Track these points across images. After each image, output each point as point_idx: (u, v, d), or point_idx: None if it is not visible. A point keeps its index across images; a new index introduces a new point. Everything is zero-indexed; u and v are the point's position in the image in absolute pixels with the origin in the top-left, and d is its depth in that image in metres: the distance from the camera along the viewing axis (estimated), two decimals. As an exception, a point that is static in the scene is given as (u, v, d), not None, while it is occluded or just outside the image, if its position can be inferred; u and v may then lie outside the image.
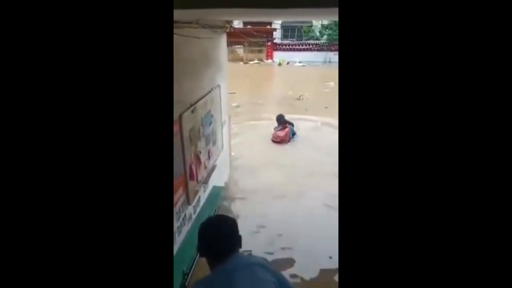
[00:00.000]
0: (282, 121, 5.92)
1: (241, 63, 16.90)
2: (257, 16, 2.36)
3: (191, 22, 2.39)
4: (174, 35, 2.24)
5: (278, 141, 5.64)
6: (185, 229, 2.80)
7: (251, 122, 6.72)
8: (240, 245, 1.06)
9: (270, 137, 5.80)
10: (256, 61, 17.73)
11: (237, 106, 8.00)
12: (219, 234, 1.03)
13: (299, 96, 9.54)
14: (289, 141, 5.72)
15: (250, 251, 2.86)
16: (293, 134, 5.88)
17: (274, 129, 5.93)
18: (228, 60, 4.31)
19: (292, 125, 6.00)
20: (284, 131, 5.73)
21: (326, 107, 7.77)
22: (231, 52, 15.67)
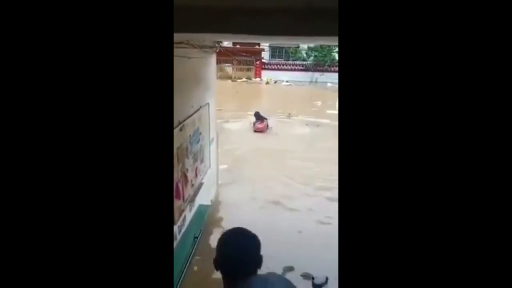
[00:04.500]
0: (259, 117, 8.30)
1: (230, 80, 17.12)
2: (248, 39, 2.43)
3: (181, 42, 2.42)
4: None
5: (259, 131, 8.09)
6: (169, 250, 2.70)
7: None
8: (259, 266, 0.97)
9: (252, 128, 8.26)
10: (244, 79, 18.02)
11: (226, 122, 8.15)
12: (240, 251, 0.94)
13: (288, 114, 9.76)
14: (266, 131, 8.24)
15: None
16: (267, 126, 8.38)
17: (254, 123, 8.25)
18: (217, 78, 4.37)
19: (266, 119, 8.41)
20: (263, 124, 8.21)
21: (318, 125, 8.88)
22: (220, 70, 15.89)
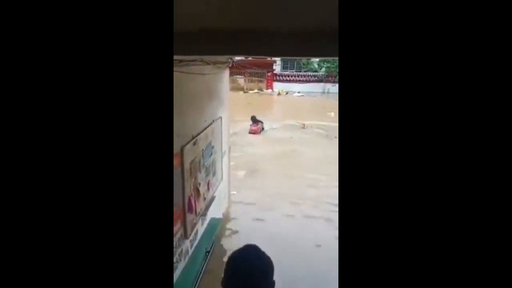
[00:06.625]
0: (255, 120, 9.55)
1: (242, 92, 17.33)
2: (259, 55, 2.48)
3: (195, 60, 2.49)
4: (181, 73, 2.33)
5: (253, 133, 9.34)
6: (181, 265, 2.71)
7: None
8: None
9: (248, 130, 9.49)
10: (256, 90, 18.19)
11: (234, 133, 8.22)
12: (248, 276, 0.83)
13: (304, 125, 9.82)
14: (260, 133, 9.41)
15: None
16: (262, 128, 9.60)
17: (250, 125, 9.49)
18: (229, 90, 4.44)
19: (262, 122, 9.62)
20: (257, 126, 9.49)
21: (336, 137, 8.59)
22: (232, 81, 16.12)
